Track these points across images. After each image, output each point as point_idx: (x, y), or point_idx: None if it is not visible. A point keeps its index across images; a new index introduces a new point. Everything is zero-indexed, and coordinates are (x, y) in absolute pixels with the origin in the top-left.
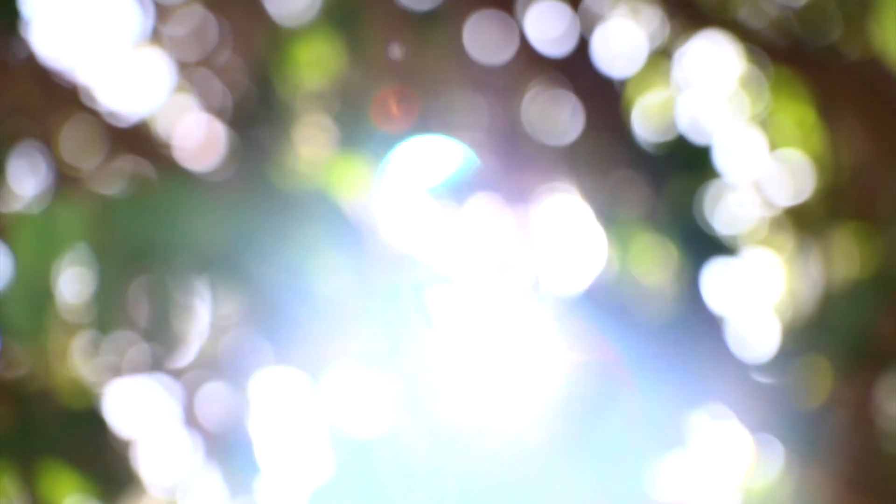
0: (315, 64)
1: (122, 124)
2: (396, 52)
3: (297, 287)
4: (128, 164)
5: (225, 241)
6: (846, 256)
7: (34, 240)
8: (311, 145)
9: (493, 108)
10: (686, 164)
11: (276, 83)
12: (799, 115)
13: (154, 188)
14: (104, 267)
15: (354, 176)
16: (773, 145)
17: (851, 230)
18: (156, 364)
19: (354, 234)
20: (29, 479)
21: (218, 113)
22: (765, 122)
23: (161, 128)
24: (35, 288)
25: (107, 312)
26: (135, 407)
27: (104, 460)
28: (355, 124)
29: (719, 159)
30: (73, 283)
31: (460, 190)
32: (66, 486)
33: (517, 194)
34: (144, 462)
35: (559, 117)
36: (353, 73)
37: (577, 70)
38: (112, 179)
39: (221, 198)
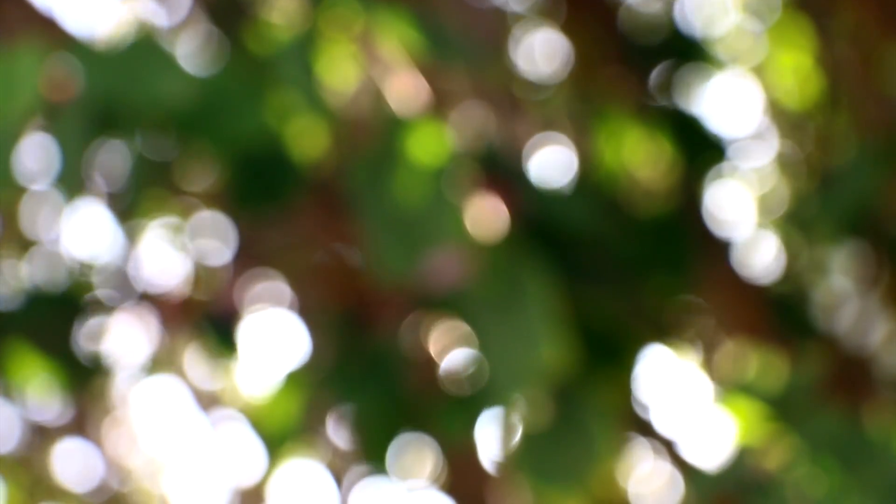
0: None
1: None
2: None
3: (272, 153)
4: None
5: (197, 102)
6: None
7: None
8: (289, 8)
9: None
10: (680, 57)
11: None
12: (796, 62)
13: (122, 45)
14: (68, 124)
15: (334, 43)
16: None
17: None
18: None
19: (332, 101)
20: None
21: None
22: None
23: None
24: None
25: (72, 175)
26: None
27: (73, 345)
28: None
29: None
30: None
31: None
32: (32, 370)
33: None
34: (115, 349)
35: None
36: None
37: None
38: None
39: (194, 57)
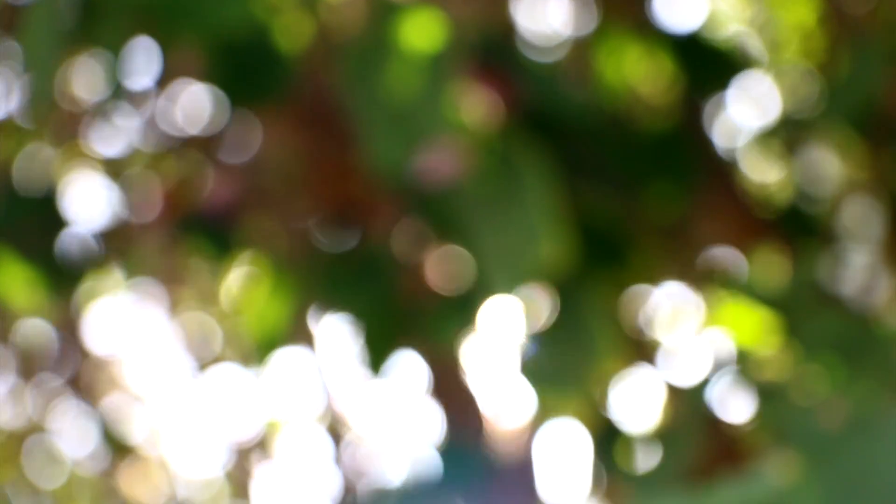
0: None
1: None
2: None
3: (258, 44)
4: None
5: None
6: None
7: None
8: None
9: None
10: None
11: None
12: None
13: None
14: (39, 24)
15: None
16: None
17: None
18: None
19: None
20: None
21: None
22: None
23: None
24: None
25: (45, 80)
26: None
27: (56, 249)
28: None
29: None
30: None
31: None
32: (13, 275)
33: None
34: (99, 252)
35: None
36: None
37: None
38: None
39: None
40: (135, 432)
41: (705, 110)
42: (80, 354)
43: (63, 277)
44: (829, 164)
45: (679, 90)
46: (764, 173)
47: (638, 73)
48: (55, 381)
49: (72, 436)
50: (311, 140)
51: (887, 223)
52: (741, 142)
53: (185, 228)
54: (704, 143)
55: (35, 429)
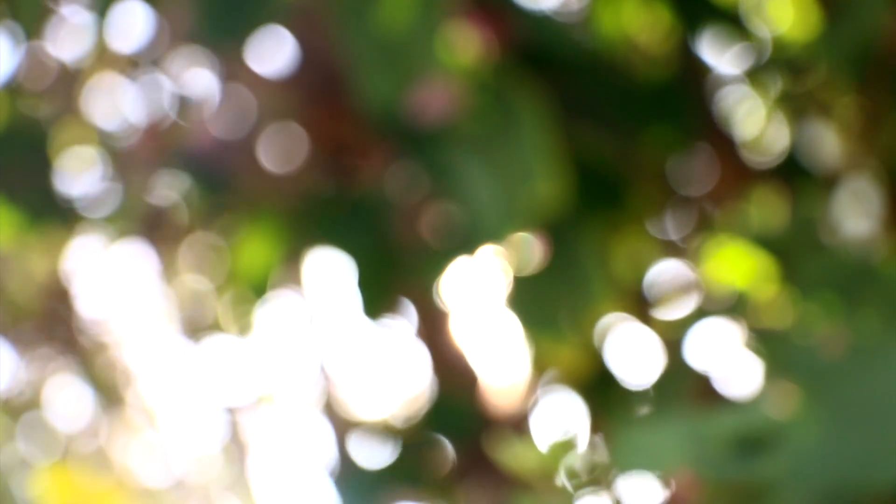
0: None
1: None
2: None
3: None
4: None
5: None
6: None
7: None
8: None
9: None
10: None
11: None
12: None
13: None
14: None
15: None
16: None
17: None
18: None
19: None
20: None
21: None
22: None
23: None
24: None
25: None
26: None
27: (42, 190)
28: None
29: None
30: None
31: None
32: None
33: None
34: (84, 189)
35: None
36: None
37: None
38: None
39: None
40: (129, 404)
41: (702, 61)
42: (73, 320)
43: (52, 221)
44: (826, 112)
45: (676, 41)
46: (760, 121)
47: (635, 24)
48: (48, 349)
49: (66, 409)
50: (302, 80)
51: (886, 185)
52: (738, 91)
53: (171, 167)
54: (701, 92)
55: (30, 403)
